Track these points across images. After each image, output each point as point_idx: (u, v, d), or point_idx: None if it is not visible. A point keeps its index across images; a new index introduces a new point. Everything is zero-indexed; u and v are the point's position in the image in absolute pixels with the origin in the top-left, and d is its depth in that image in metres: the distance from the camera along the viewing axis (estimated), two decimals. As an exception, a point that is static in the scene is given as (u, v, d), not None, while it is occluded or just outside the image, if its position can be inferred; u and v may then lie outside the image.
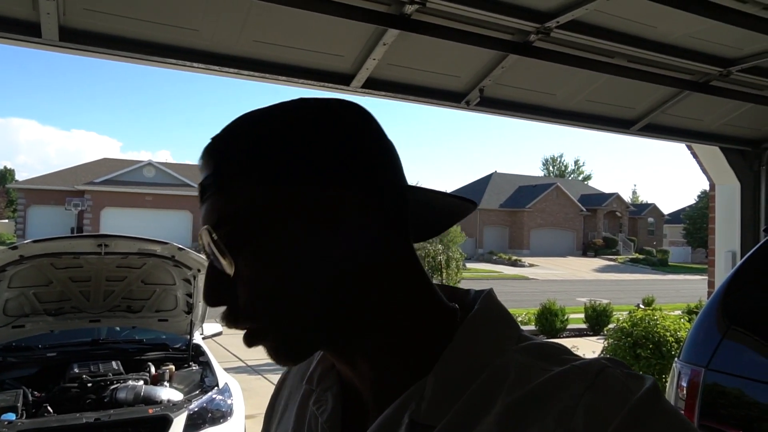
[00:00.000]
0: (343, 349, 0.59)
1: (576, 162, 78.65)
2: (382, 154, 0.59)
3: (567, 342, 9.40)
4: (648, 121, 3.61)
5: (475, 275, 28.71)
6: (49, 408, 3.68)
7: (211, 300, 0.57)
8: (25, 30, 2.22)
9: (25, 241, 3.92)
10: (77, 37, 2.33)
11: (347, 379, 0.62)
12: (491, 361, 0.54)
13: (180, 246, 4.30)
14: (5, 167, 56.14)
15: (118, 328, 5.25)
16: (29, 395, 3.77)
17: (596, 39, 2.64)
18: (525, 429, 0.48)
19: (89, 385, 3.98)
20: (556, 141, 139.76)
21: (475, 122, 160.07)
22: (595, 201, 48.78)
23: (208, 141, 0.59)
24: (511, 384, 0.52)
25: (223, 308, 0.57)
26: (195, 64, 2.54)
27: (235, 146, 0.56)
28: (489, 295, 0.63)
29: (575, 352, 0.56)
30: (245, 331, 0.56)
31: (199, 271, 4.54)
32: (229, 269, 0.55)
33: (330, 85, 2.81)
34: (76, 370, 4.08)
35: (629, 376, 0.50)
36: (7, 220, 40.38)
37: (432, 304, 0.61)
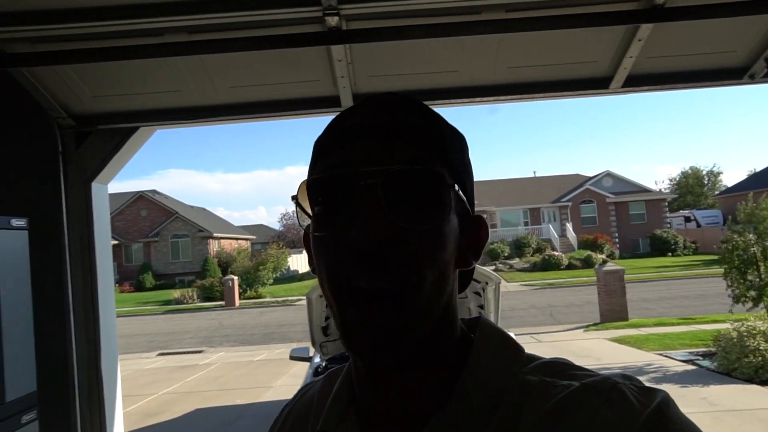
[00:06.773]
0: (411, 361, 0.59)
1: None
2: None
3: None
4: None
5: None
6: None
7: (379, 232, 0.53)
8: (330, 103, 2.84)
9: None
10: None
11: (377, 409, 0.63)
12: (506, 385, 0.57)
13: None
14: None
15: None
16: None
17: None
18: None
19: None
20: None
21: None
22: None
23: (409, 97, 0.63)
24: (531, 405, 0.54)
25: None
26: (455, 101, 2.85)
27: (450, 138, 0.62)
28: (484, 321, 0.66)
29: None
30: (375, 290, 0.54)
31: (486, 284, 4.88)
32: (436, 218, 0.56)
33: (588, 91, 2.84)
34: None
35: (642, 391, 0.52)
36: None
37: (461, 331, 0.65)
